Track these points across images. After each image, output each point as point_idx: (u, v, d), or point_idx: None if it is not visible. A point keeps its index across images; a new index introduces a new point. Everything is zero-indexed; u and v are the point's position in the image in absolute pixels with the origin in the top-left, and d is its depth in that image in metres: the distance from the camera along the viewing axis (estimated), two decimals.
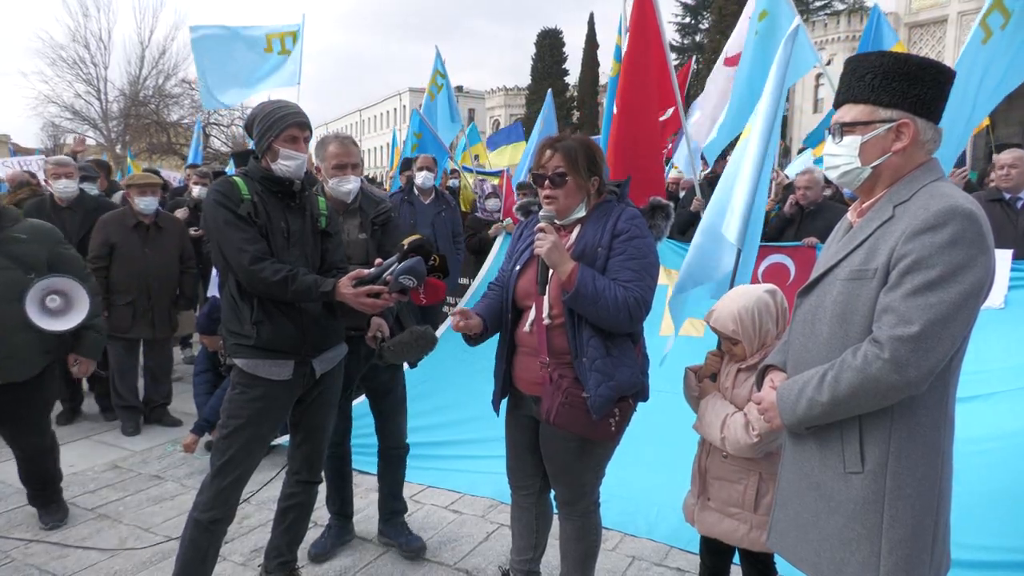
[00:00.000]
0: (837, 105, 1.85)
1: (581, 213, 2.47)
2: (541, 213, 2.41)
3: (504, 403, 2.70)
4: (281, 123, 2.64)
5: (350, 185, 3.19)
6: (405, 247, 2.58)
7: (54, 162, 5.27)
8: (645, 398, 2.53)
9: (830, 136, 1.84)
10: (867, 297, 1.71)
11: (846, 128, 1.79)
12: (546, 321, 2.39)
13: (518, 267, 2.53)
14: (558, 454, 2.53)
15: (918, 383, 1.62)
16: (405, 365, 3.08)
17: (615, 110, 5.29)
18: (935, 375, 1.63)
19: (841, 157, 1.81)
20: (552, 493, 2.75)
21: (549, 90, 13.79)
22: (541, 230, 2.32)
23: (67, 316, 3.33)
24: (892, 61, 1.75)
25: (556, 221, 2.45)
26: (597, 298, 2.25)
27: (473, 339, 2.56)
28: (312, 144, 2.96)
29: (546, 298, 2.39)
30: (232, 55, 8.27)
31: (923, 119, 1.74)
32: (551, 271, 2.34)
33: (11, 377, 3.33)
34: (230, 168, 9.46)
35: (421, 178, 5.99)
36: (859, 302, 1.73)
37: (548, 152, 2.41)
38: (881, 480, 1.71)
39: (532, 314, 2.44)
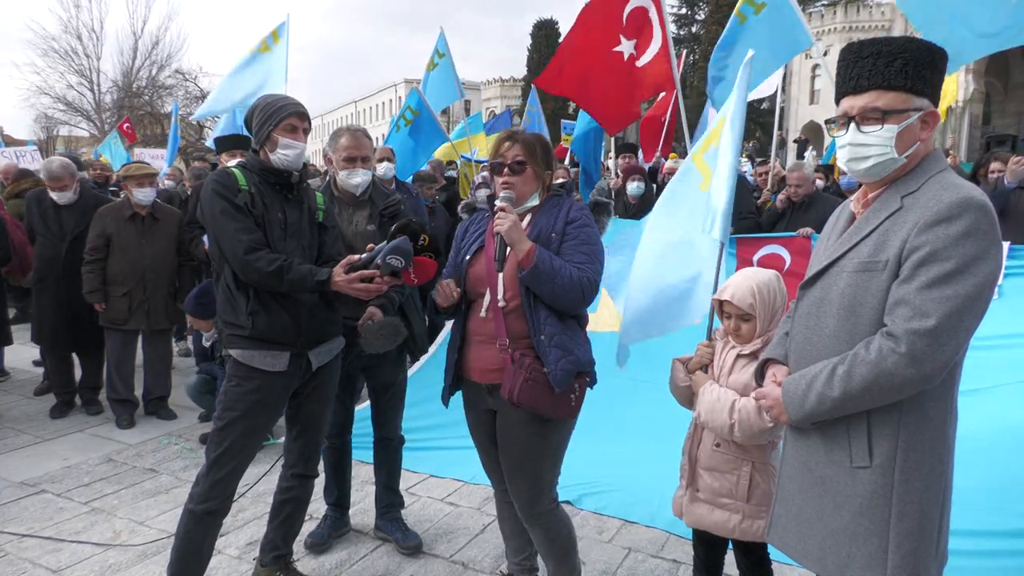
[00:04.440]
0: (860, 90, 1.72)
1: (535, 202, 2.58)
2: (501, 195, 2.48)
3: (461, 405, 2.71)
4: (281, 112, 2.67)
5: (359, 179, 3.20)
6: (393, 230, 2.58)
7: (47, 176, 5.17)
8: (594, 382, 2.60)
9: (853, 125, 1.74)
10: (877, 289, 1.68)
11: (885, 116, 1.69)
12: (501, 304, 2.44)
13: (468, 256, 2.58)
14: (517, 441, 2.52)
15: (933, 376, 1.60)
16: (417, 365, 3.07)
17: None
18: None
19: (874, 147, 1.71)
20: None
21: (533, 86, 13.76)
22: (502, 209, 2.40)
23: None
24: (920, 48, 1.69)
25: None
26: (554, 275, 2.35)
27: (449, 309, 2.57)
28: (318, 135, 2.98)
29: (500, 282, 2.45)
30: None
31: (936, 108, 1.72)
32: (508, 250, 2.41)
33: None
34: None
35: (382, 169, 6.00)
36: (868, 294, 1.70)
37: (507, 143, 2.53)
38: (889, 474, 1.69)
39: (487, 300, 2.49)
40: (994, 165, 6.41)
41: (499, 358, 2.45)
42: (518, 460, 2.55)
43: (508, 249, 2.40)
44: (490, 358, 2.49)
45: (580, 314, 2.55)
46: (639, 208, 6.53)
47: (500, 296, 2.45)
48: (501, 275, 2.44)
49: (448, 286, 2.50)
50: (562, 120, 14.01)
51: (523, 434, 2.50)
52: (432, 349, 5.08)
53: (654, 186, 7.51)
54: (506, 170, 2.50)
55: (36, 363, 6.09)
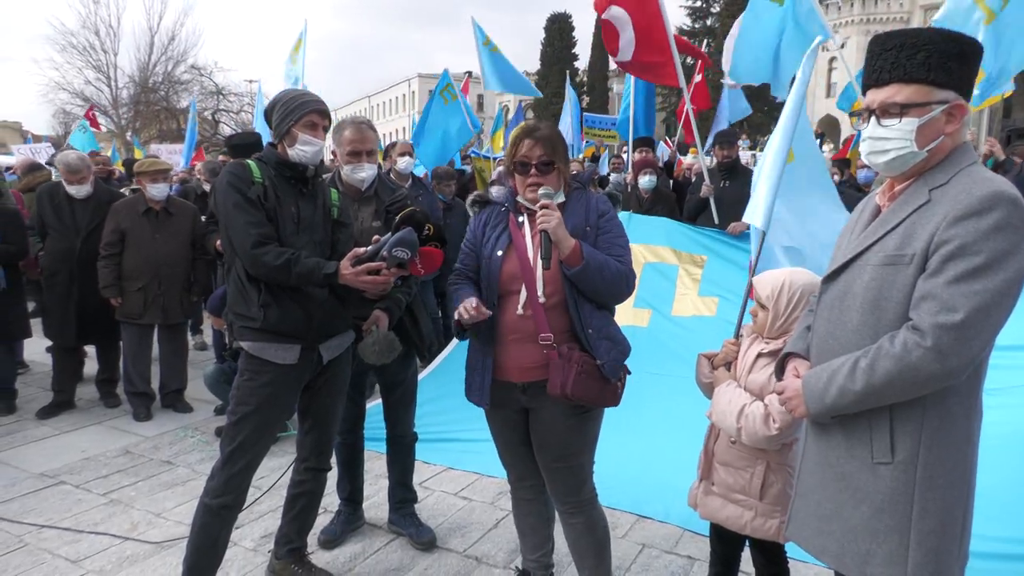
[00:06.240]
0: (882, 83, 1.71)
1: (561, 199, 2.55)
2: (541, 191, 2.44)
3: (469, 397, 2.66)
4: (302, 109, 2.66)
5: (364, 173, 3.15)
6: (396, 221, 2.56)
7: (65, 168, 5.16)
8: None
9: (873, 118, 1.72)
10: (903, 283, 1.65)
11: (904, 110, 1.67)
12: (542, 300, 2.42)
13: (500, 252, 2.52)
14: (558, 436, 2.51)
15: (959, 372, 1.57)
16: (445, 358, 3.04)
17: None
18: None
19: (893, 141, 1.69)
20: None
21: (568, 81, 13.68)
22: (545, 207, 2.36)
23: None
24: (946, 39, 1.65)
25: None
26: (602, 269, 2.37)
27: (471, 328, 2.50)
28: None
29: (540, 278, 2.41)
30: None
31: (966, 100, 1.68)
32: (551, 246, 2.37)
33: None
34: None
35: (403, 163, 5.97)
36: (894, 288, 1.67)
37: (529, 142, 2.46)
38: (912, 471, 1.66)
39: (522, 297, 2.45)
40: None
41: (540, 355, 2.42)
42: (560, 455, 2.54)
43: (551, 245, 2.36)
44: (529, 356, 2.45)
45: (619, 303, 2.59)
46: (652, 202, 6.48)
47: (540, 292, 2.42)
48: (541, 272, 2.41)
49: (473, 306, 2.38)
50: (585, 114, 13.93)
51: (565, 428, 2.50)
52: (448, 349, 5.08)
53: (671, 181, 7.46)
54: (533, 170, 2.46)
55: (48, 349, 6.12)
